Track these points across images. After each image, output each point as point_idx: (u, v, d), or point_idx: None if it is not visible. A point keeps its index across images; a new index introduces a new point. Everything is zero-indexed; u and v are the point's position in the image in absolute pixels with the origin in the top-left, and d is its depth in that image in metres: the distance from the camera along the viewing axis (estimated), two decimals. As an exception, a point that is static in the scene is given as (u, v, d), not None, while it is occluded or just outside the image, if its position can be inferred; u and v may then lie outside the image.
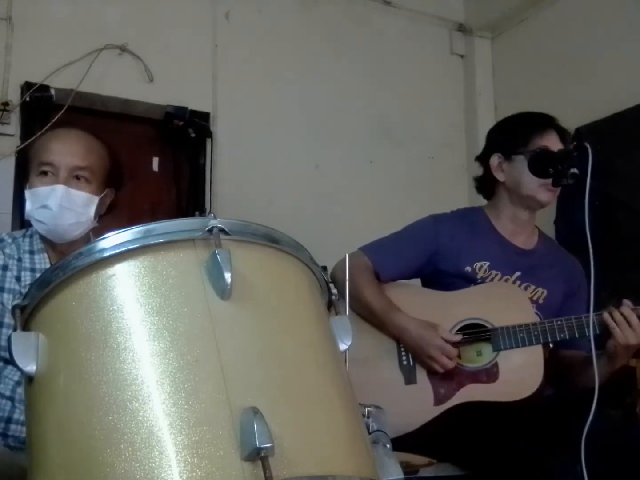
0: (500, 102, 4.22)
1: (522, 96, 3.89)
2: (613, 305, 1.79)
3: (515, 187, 1.99)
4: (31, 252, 1.65)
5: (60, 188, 1.58)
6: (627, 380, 2.46)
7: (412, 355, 1.89)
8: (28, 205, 1.61)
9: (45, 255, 1.66)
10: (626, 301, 1.79)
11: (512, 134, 2.02)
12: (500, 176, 2.02)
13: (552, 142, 1.94)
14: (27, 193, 1.62)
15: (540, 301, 1.98)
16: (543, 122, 1.99)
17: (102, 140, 1.71)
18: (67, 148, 1.62)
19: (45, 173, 1.60)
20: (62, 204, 1.58)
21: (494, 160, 2.02)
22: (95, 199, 1.64)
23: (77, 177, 1.61)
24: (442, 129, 4.20)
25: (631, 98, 3.27)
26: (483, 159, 2.08)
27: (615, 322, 1.74)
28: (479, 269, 1.97)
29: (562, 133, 1.98)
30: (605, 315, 1.75)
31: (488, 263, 1.97)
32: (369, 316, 1.92)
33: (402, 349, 1.91)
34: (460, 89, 4.35)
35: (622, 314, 1.74)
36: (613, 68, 3.44)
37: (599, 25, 3.55)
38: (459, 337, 1.85)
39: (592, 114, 3.39)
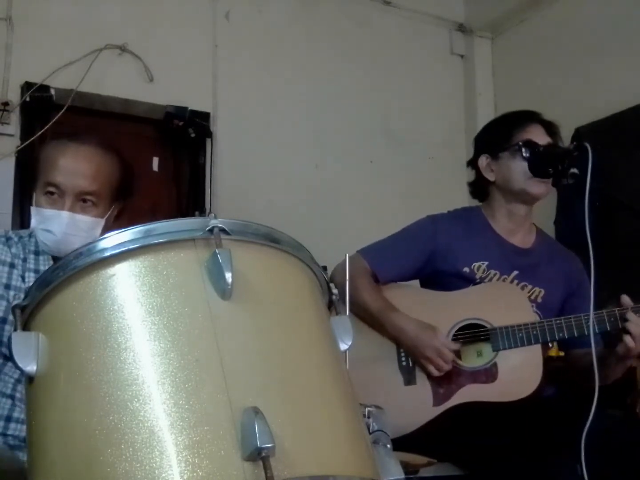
0: (500, 102, 4.22)
1: (522, 96, 3.89)
2: (612, 305, 1.79)
3: (506, 184, 2.00)
4: (36, 253, 1.64)
5: (65, 216, 1.55)
6: (627, 380, 2.46)
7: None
8: (33, 222, 1.59)
9: (50, 256, 1.64)
10: (625, 297, 1.79)
11: (496, 133, 2.05)
12: (490, 176, 2.03)
13: (536, 135, 1.95)
14: (33, 210, 1.59)
15: (539, 300, 1.98)
16: (524, 117, 2.02)
17: (113, 151, 1.65)
18: (75, 169, 1.57)
19: (51, 193, 1.57)
20: (67, 232, 1.55)
21: (482, 161, 2.05)
22: (102, 221, 1.60)
23: (84, 200, 1.58)
24: (442, 129, 4.20)
25: (631, 98, 3.27)
26: (473, 163, 2.10)
27: (630, 334, 1.74)
28: (478, 269, 1.97)
29: (547, 126, 1.99)
30: (627, 338, 1.74)
31: (487, 263, 1.97)
32: (367, 318, 1.92)
33: (402, 350, 1.91)
34: (460, 89, 4.35)
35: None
36: (613, 68, 3.45)
37: (599, 25, 3.55)
38: (457, 346, 1.84)
39: (592, 114, 3.39)
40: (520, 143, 1.93)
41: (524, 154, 1.92)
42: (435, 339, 1.82)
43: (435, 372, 1.82)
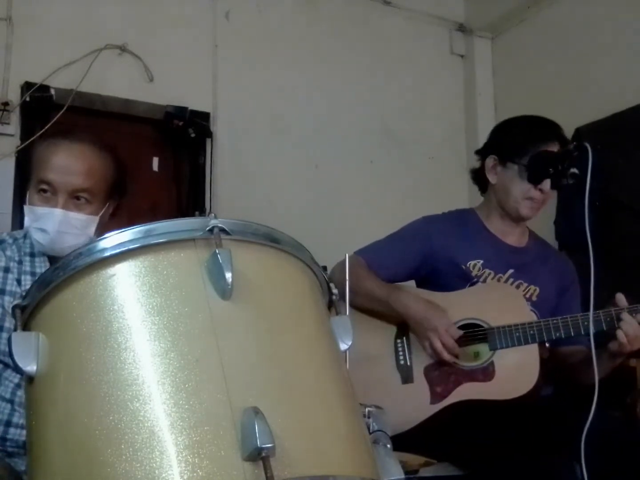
0: (500, 102, 4.22)
1: (522, 96, 3.89)
2: (610, 305, 1.80)
3: (502, 193, 2.01)
4: (31, 255, 1.61)
5: (58, 213, 1.53)
6: (627, 380, 2.47)
7: (410, 354, 1.89)
8: (27, 221, 1.56)
9: (46, 258, 1.62)
10: (620, 295, 1.79)
11: (512, 141, 1.99)
12: (492, 178, 2.03)
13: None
14: (26, 209, 1.57)
15: (534, 298, 1.99)
16: (545, 132, 1.96)
17: (107, 149, 1.63)
18: (67, 167, 1.54)
19: (44, 191, 1.54)
20: (60, 229, 1.53)
21: (489, 161, 2.04)
22: (96, 219, 1.58)
23: (78, 198, 1.56)
24: (442, 129, 4.20)
25: (631, 98, 3.27)
26: (481, 155, 2.09)
27: (625, 333, 1.74)
28: (473, 267, 1.98)
29: (564, 143, 1.93)
30: (620, 334, 1.74)
31: (482, 261, 1.98)
32: (373, 304, 1.92)
33: (400, 348, 1.92)
34: (460, 89, 4.35)
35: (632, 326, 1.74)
36: (613, 68, 3.45)
37: (598, 25, 3.55)
38: (461, 332, 1.83)
39: (592, 114, 3.39)
40: (531, 160, 1.89)
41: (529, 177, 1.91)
42: (444, 317, 1.82)
43: (439, 347, 1.79)
